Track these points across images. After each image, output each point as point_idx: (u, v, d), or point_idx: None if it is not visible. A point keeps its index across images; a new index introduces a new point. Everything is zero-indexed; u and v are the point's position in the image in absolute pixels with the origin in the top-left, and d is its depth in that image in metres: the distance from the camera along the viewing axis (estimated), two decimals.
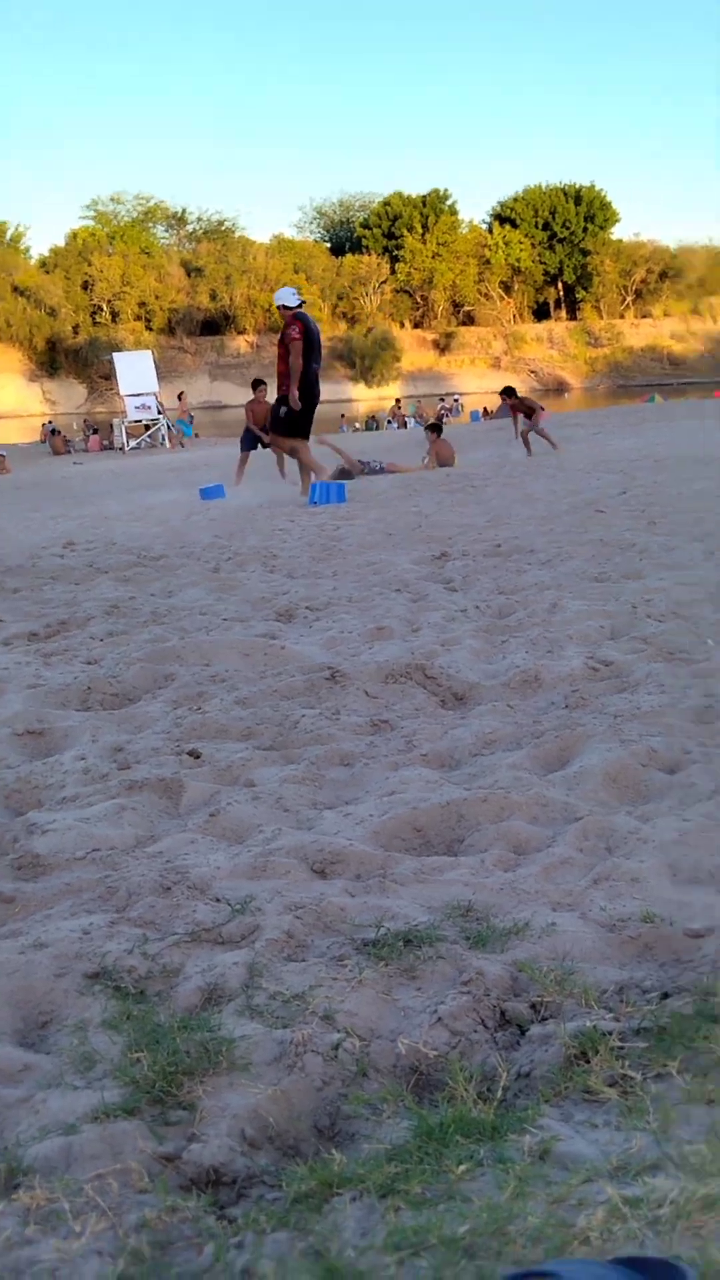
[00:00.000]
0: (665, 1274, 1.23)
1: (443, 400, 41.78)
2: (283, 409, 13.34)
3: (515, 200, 60.81)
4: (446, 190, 59.56)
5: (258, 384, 20.41)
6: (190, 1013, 2.18)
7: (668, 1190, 1.50)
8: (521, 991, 2.26)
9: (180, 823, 3.35)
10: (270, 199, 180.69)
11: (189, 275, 67.16)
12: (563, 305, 59.15)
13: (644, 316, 58.13)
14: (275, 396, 13.71)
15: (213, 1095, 1.88)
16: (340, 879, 2.88)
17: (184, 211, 72.93)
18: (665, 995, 2.19)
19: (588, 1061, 1.93)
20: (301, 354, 12.86)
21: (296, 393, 12.98)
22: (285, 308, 13.29)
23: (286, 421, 13.46)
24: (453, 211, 58.75)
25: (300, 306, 13.36)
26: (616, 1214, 1.46)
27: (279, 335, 13.57)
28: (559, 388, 52.14)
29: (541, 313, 58.86)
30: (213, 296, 64.14)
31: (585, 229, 59.14)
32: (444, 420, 36.91)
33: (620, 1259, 1.29)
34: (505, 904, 2.68)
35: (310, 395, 13.12)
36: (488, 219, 61.32)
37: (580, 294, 59.24)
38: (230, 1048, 2.00)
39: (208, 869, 2.89)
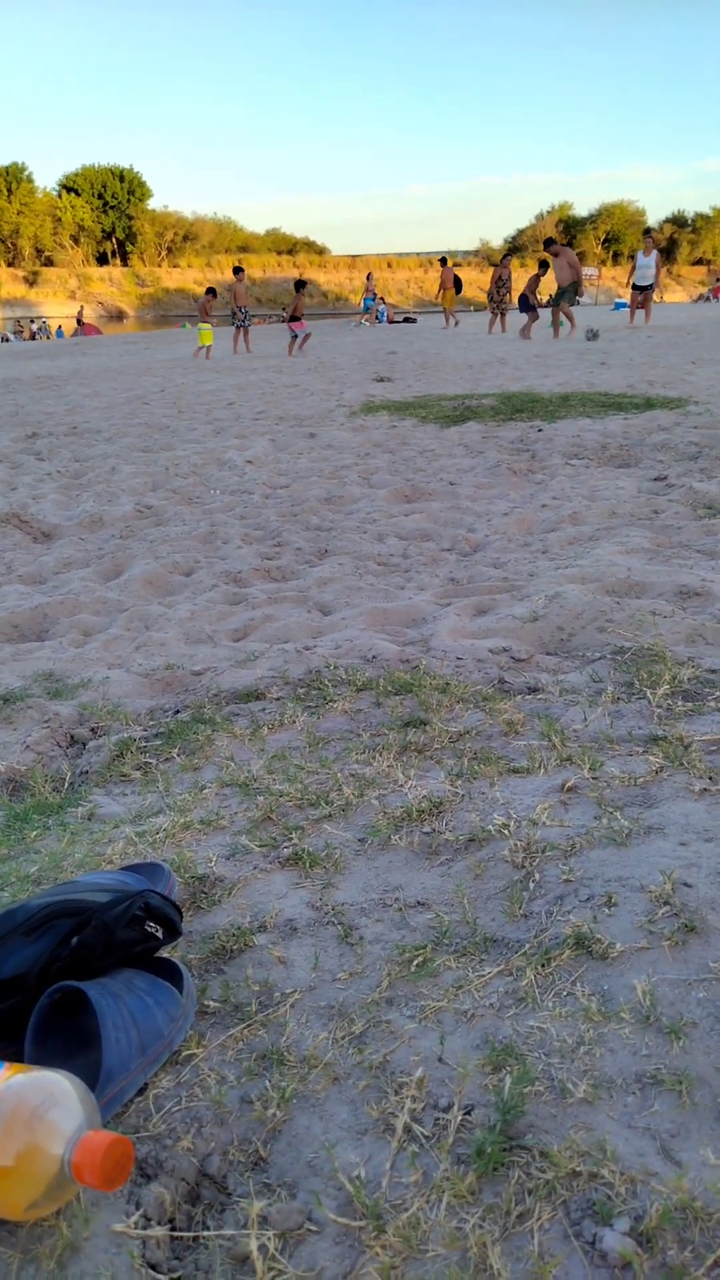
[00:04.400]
0: (151, 870, 1.34)
1: (33, 322, 37.70)
2: None
3: (76, 175, 54.89)
4: (24, 163, 52.98)
5: (237, 270, 18.09)
6: None
7: (163, 824, 1.60)
8: (85, 722, 2.25)
9: None
10: None
11: None
12: (117, 255, 54.73)
13: (175, 266, 55.20)
14: None
15: None
16: None
17: None
18: (177, 712, 2.27)
19: (123, 758, 1.98)
20: None
21: None
22: None
23: None
24: (30, 180, 52.02)
25: None
26: (131, 842, 1.54)
27: None
28: (119, 315, 48.71)
29: (103, 260, 54.18)
30: None
31: (129, 200, 54.60)
32: (35, 337, 33.51)
33: (125, 866, 1.38)
34: (76, 669, 2.64)
35: None
36: (57, 188, 54.82)
37: (129, 248, 55.06)
38: None
39: None
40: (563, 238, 56.86)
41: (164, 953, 1.19)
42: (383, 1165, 0.86)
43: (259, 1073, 0.99)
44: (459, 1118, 0.89)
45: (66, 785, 1.92)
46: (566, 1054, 0.95)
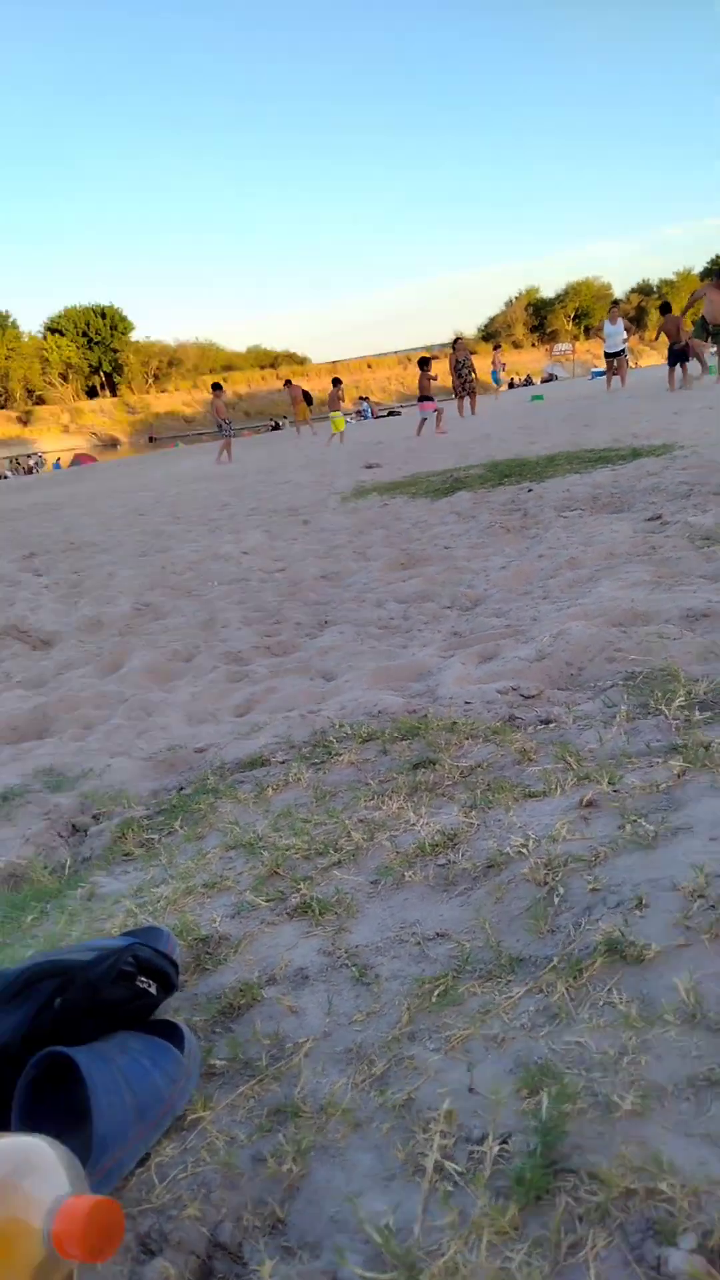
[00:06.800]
0: (149, 934, 1.26)
1: (30, 457, 39.21)
2: None
3: (60, 316, 57.84)
4: (8, 311, 56.08)
5: (216, 387, 19.31)
6: None
7: (164, 893, 1.52)
8: (87, 810, 2.19)
9: None
10: None
11: None
12: (106, 387, 57.08)
13: (163, 391, 57.45)
14: None
15: None
16: None
17: None
18: (181, 789, 2.21)
19: (125, 838, 1.91)
20: None
21: None
22: None
23: None
24: (15, 326, 54.81)
25: None
26: (131, 914, 1.46)
27: None
28: (113, 443, 50.55)
29: (92, 393, 56.49)
30: None
31: (112, 335, 57.40)
32: (33, 471, 34.67)
33: (125, 932, 1.30)
34: (77, 761, 2.57)
35: None
36: (42, 330, 57.74)
37: (117, 379, 57.51)
38: None
39: None
40: (533, 320, 59.01)
41: (166, 1015, 1.10)
42: (414, 1210, 0.76)
43: (272, 1128, 0.90)
44: (495, 1148, 0.79)
45: (67, 871, 1.84)
46: (609, 1066, 0.85)
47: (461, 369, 18.16)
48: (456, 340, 18.94)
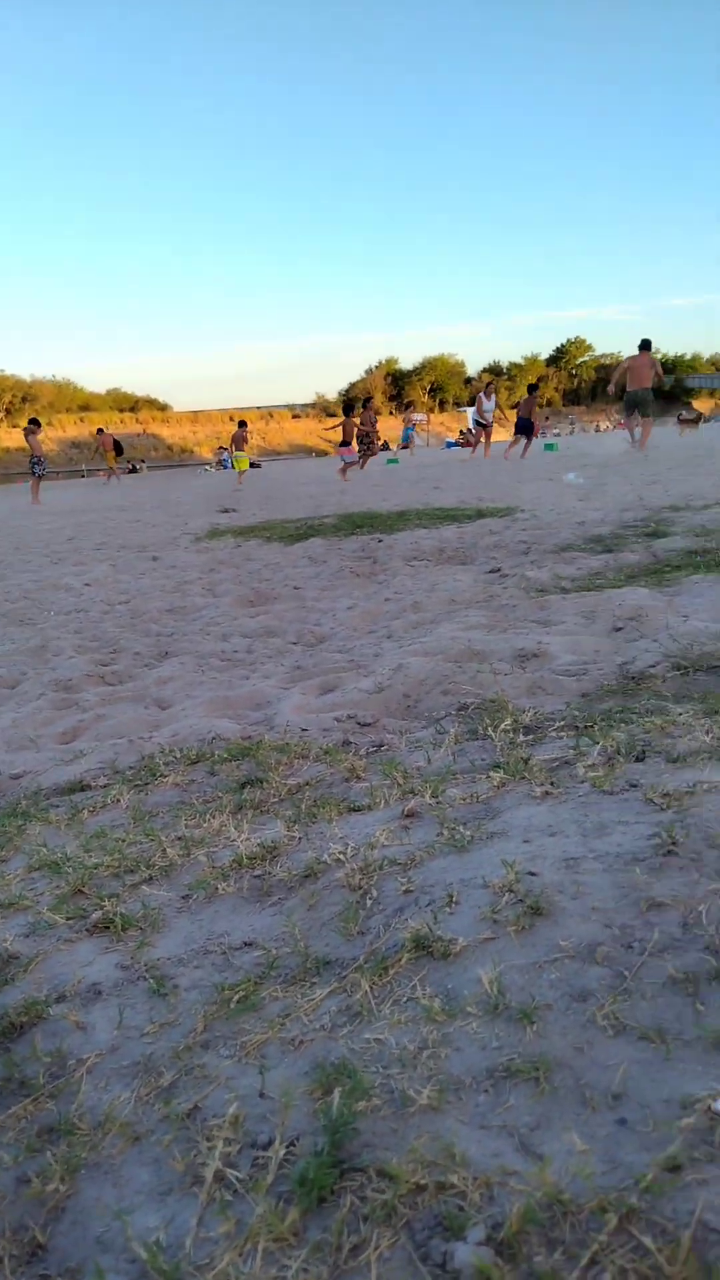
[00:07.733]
0: None
1: None
2: None
3: None
4: None
5: (34, 422, 17.46)
6: None
7: None
8: None
9: None
10: None
11: None
12: None
13: (14, 426, 55.47)
14: None
15: None
16: None
17: None
18: None
19: None
20: None
21: None
22: None
23: None
24: None
25: None
26: None
27: None
28: None
29: None
30: None
31: None
32: None
33: None
34: None
35: None
36: None
37: None
38: None
39: None
40: (392, 389, 61.24)
41: None
42: (188, 1223, 0.69)
43: (41, 1148, 0.80)
44: (281, 1152, 0.73)
45: None
46: (408, 1061, 0.81)
47: (373, 430, 17.94)
48: (368, 399, 19.00)
